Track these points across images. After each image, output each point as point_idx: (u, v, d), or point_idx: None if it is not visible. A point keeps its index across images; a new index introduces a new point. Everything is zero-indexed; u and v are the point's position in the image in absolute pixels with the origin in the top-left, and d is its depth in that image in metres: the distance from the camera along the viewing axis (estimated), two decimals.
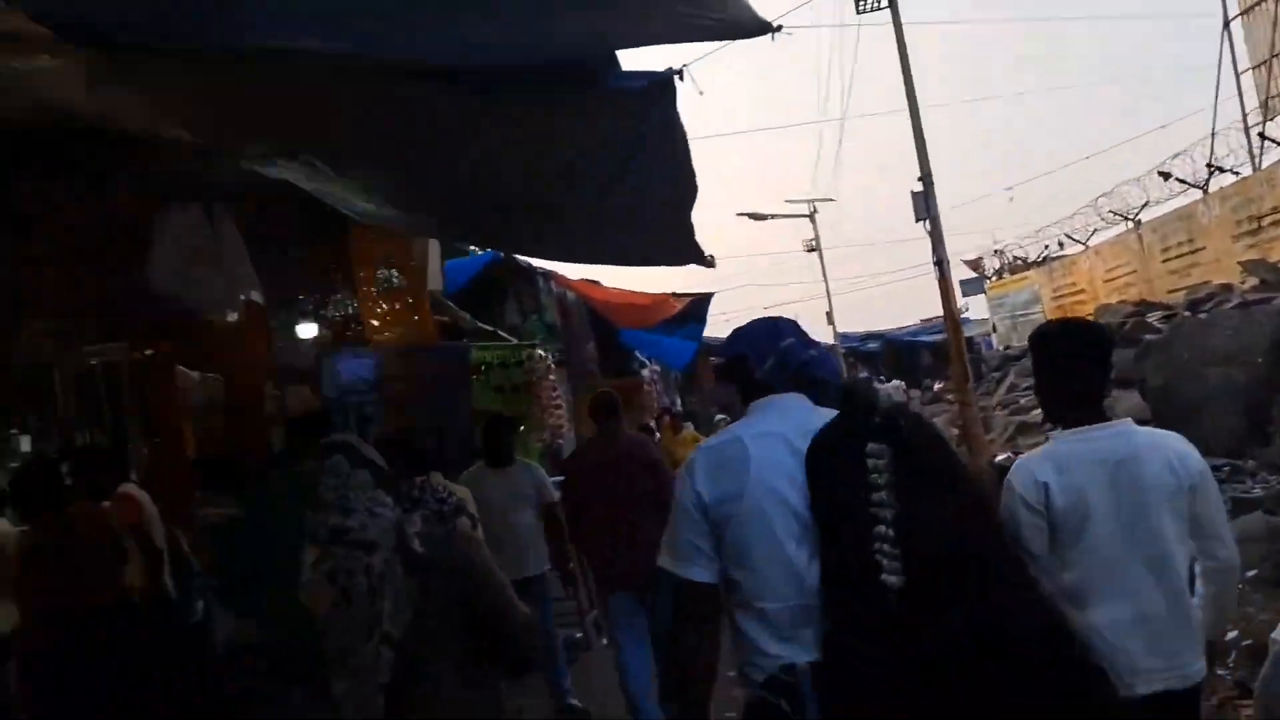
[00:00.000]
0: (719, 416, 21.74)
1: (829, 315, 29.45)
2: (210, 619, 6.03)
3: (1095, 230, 22.33)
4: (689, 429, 14.44)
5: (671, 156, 3.87)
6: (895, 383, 32.07)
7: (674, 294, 15.04)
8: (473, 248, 11.63)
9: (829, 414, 2.23)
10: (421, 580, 2.49)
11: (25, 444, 6.43)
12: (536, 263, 12.50)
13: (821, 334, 35.54)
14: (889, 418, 1.46)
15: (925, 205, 11.20)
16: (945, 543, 1.31)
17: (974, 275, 29.46)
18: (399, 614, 2.46)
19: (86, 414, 5.78)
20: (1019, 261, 26.28)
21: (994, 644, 1.29)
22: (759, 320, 2.62)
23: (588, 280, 13.55)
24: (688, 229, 4.78)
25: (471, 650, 2.56)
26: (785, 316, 2.68)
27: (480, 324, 10.45)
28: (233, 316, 6.60)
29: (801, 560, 2.16)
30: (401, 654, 2.43)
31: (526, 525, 5.80)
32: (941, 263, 11.22)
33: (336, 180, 5.17)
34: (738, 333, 2.60)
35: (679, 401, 27.11)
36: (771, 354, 2.43)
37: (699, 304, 16.36)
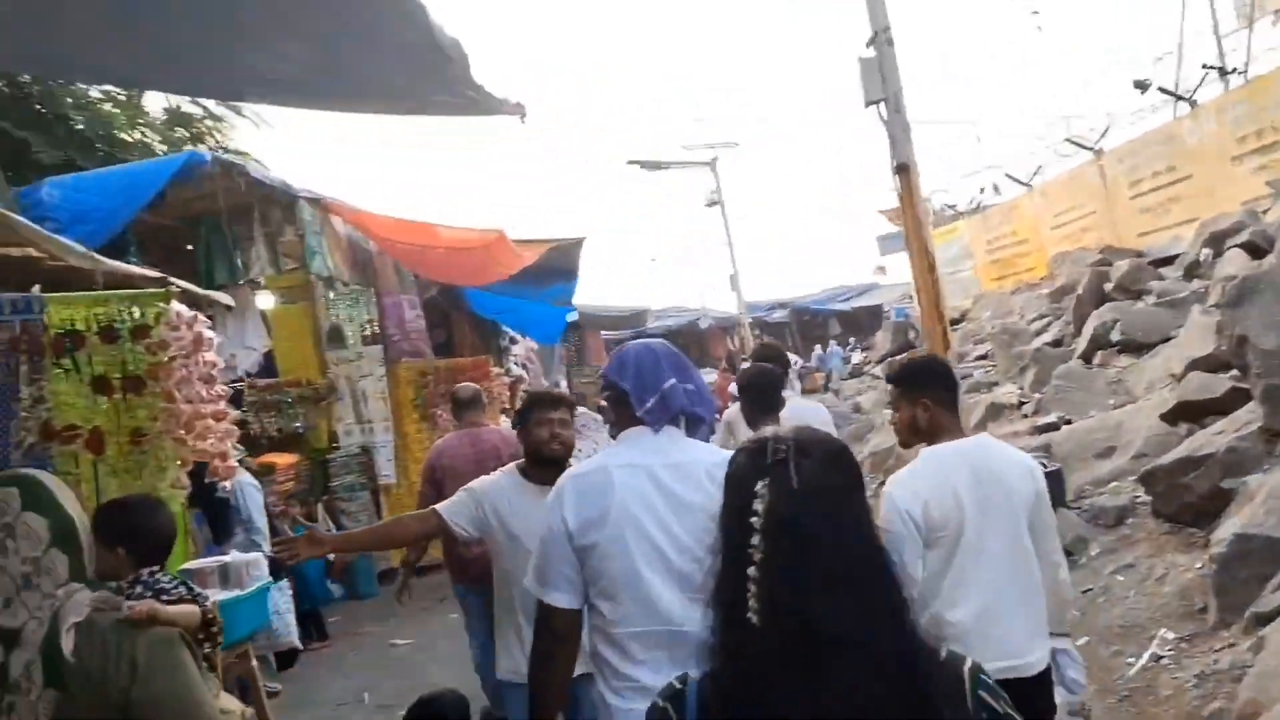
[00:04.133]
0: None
1: (733, 280, 25.60)
2: None
3: (1041, 168, 18.97)
4: None
5: None
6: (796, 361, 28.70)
7: (521, 240, 10.76)
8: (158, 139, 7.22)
9: (696, 446, 2.52)
10: (65, 696, 1.78)
11: None
12: (299, 184, 8.22)
13: (725, 300, 31.93)
14: (779, 459, 1.31)
15: (880, 77, 7.29)
16: (809, 602, 1.25)
17: (893, 230, 26.00)
18: None
19: None
20: (948, 210, 22.87)
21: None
22: (642, 351, 2.58)
23: (397, 219, 9.20)
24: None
25: None
26: (663, 345, 2.62)
27: (143, 269, 6.09)
28: None
29: (660, 589, 2.31)
30: None
31: None
32: (906, 168, 7.30)
33: None
34: (622, 363, 2.57)
35: (563, 382, 22.98)
36: (653, 394, 2.47)
37: (564, 254, 12.20)
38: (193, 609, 2.62)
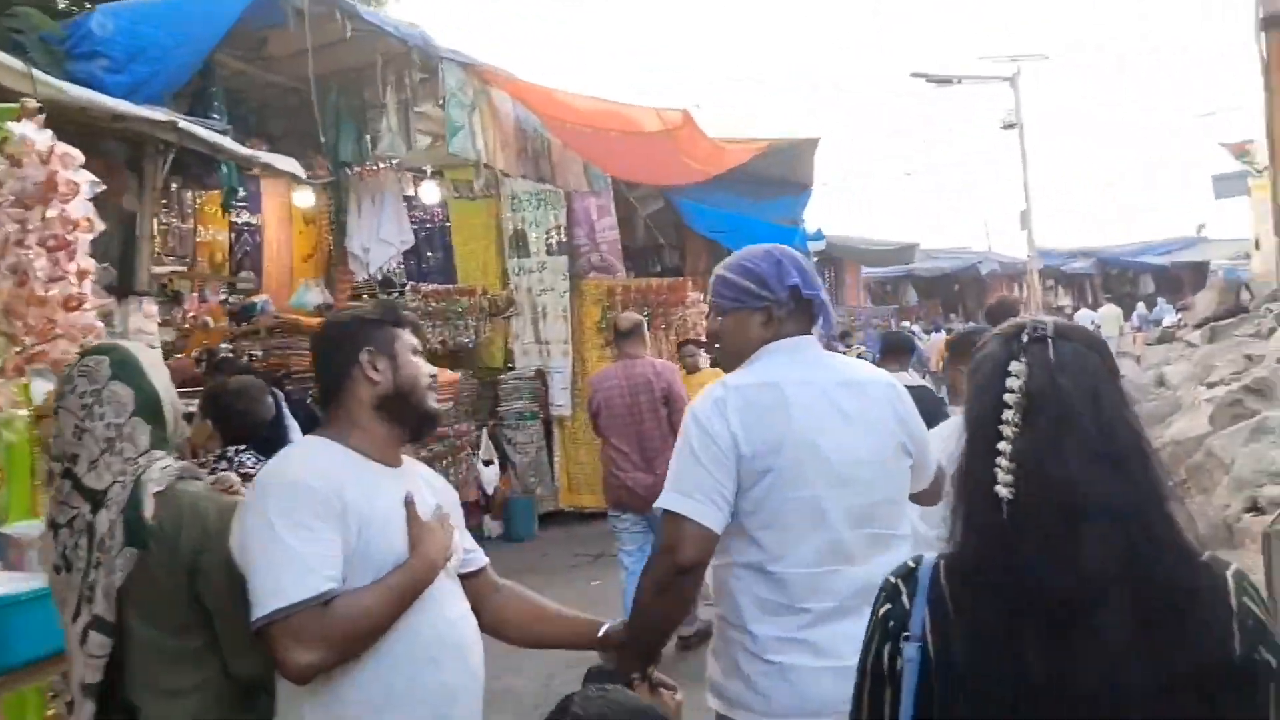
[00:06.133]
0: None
1: (1024, 217, 22.09)
2: None
3: None
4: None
5: None
6: (1107, 309, 24.68)
7: (731, 139, 8.74)
8: None
9: (861, 364, 2.45)
10: (144, 554, 1.93)
11: None
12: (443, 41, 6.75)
13: (1014, 242, 28.07)
14: (1035, 338, 1.32)
15: None
16: (1070, 472, 1.25)
17: (1235, 170, 21.36)
18: (111, 594, 1.93)
19: None
20: None
21: (1117, 589, 1.23)
22: (794, 255, 2.29)
23: (560, 91, 7.50)
24: None
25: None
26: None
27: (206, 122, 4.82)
28: None
29: (836, 524, 2.09)
30: (118, 646, 1.95)
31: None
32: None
33: None
34: (779, 263, 2.25)
35: None
36: (783, 290, 2.22)
37: (790, 159, 10.08)
38: None
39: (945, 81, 21.55)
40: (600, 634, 2.13)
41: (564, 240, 9.78)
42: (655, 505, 2.16)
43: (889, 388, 2.25)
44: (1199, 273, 30.56)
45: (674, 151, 7.54)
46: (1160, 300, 27.14)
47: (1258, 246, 20.32)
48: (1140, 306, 27.88)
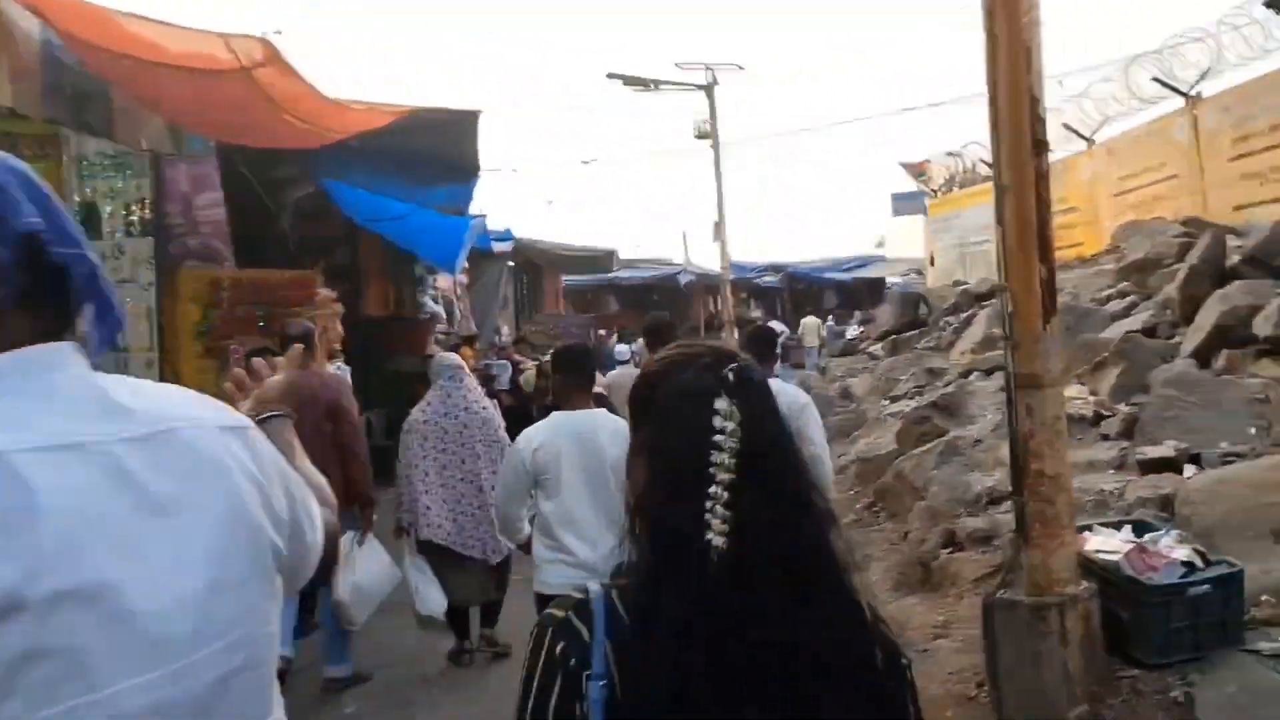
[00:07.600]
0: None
1: (716, 229, 21.79)
2: None
3: (1106, 120, 15.23)
4: None
5: None
6: (809, 320, 25.34)
7: (368, 102, 7.01)
8: None
9: (153, 388, 1.26)
10: None
11: None
12: None
13: (707, 253, 28.19)
14: (741, 378, 1.28)
15: None
16: (776, 529, 1.25)
17: (911, 190, 22.23)
18: None
19: None
20: (986, 165, 19.12)
21: (801, 645, 1.26)
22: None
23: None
24: None
25: None
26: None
27: None
28: None
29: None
30: None
31: None
32: None
33: None
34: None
35: (505, 330, 19.21)
36: (83, 269, 1.18)
37: (449, 136, 8.41)
38: None
39: (642, 85, 20.83)
40: None
41: (150, 218, 7.57)
42: None
43: (236, 434, 1.23)
44: (875, 288, 32.33)
45: (263, 102, 5.67)
46: (858, 313, 28.15)
47: (932, 263, 21.29)
48: (831, 319, 28.85)
